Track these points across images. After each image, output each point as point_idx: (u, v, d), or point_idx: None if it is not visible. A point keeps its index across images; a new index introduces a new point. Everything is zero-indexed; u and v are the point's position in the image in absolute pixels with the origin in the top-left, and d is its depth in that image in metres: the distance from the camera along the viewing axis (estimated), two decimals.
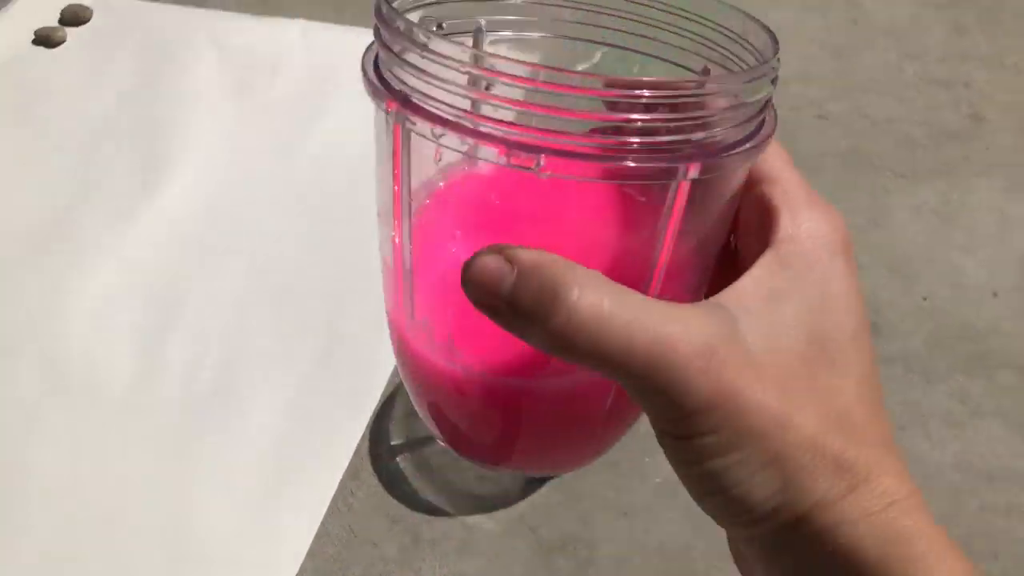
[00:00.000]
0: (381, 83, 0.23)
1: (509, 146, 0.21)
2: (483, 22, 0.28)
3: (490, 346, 0.27)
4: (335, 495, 0.46)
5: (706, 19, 0.26)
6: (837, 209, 0.25)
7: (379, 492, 0.46)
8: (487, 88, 0.21)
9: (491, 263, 0.21)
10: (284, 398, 0.49)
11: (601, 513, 0.46)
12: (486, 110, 0.21)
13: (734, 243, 0.27)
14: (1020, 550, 0.45)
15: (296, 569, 0.43)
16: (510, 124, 0.21)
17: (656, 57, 0.27)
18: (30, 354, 0.51)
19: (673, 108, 0.21)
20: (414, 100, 0.22)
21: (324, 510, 0.45)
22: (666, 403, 0.21)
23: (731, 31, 0.25)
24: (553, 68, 0.20)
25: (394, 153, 0.24)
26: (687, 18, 0.26)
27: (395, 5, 0.24)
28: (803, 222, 0.24)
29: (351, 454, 0.47)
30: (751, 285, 0.23)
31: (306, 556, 0.44)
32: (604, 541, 0.45)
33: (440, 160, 0.26)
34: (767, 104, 0.24)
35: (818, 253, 0.24)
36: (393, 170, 0.25)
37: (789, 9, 0.80)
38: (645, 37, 0.27)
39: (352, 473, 0.47)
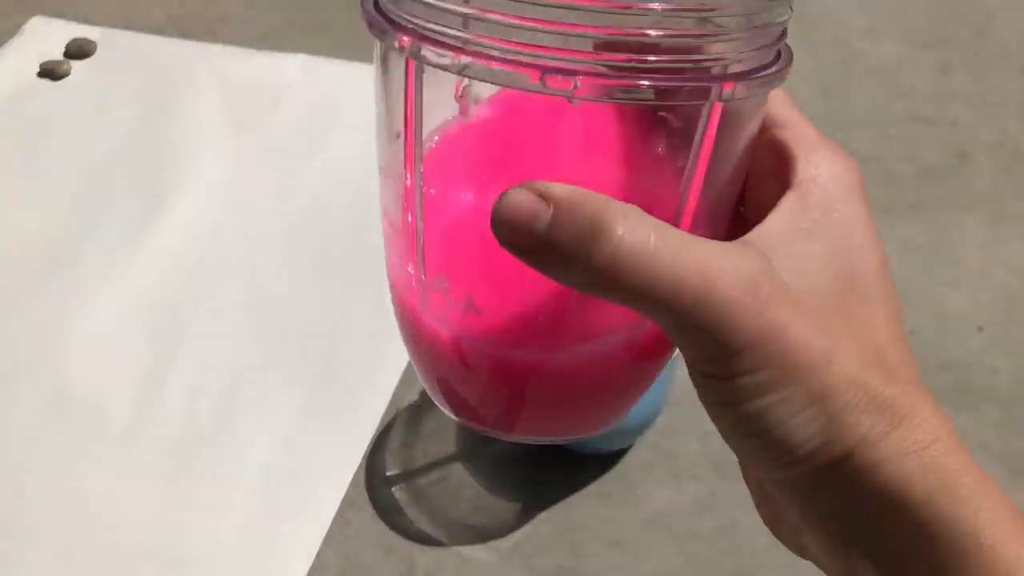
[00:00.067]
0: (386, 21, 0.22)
1: (544, 71, 0.20)
2: None
3: (514, 296, 0.25)
4: (331, 525, 0.46)
5: None
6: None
7: (375, 522, 0.47)
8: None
9: (524, 200, 0.20)
10: (282, 428, 0.50)
11: (594, 543, 0.47)
12: (513, 35, 0.20)
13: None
14: None
15: None
16: (543, 47, 0.20)
17: None
18: (31, 384, 0.52)
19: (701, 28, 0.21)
20: (428, 34, 0.21)
21: (321, 540, 0.46)
22: (710, 341, 0.20)
23: None
24: None
25: (406, 96, 0.22)
26: None
27: None
28: (819, 163, 0.24)
29: (347, 484, 0.48)
30: (778, 225, 0.23)
31: None
32: (597, 571, 0.46)
33: (461, 96, 0.25)
34: (783, 34, 0.24)
35: (837, 193, 0.24)
36: (406, 113, 0.23)
37: None
38: None
39: (348, 503, 0.48)
